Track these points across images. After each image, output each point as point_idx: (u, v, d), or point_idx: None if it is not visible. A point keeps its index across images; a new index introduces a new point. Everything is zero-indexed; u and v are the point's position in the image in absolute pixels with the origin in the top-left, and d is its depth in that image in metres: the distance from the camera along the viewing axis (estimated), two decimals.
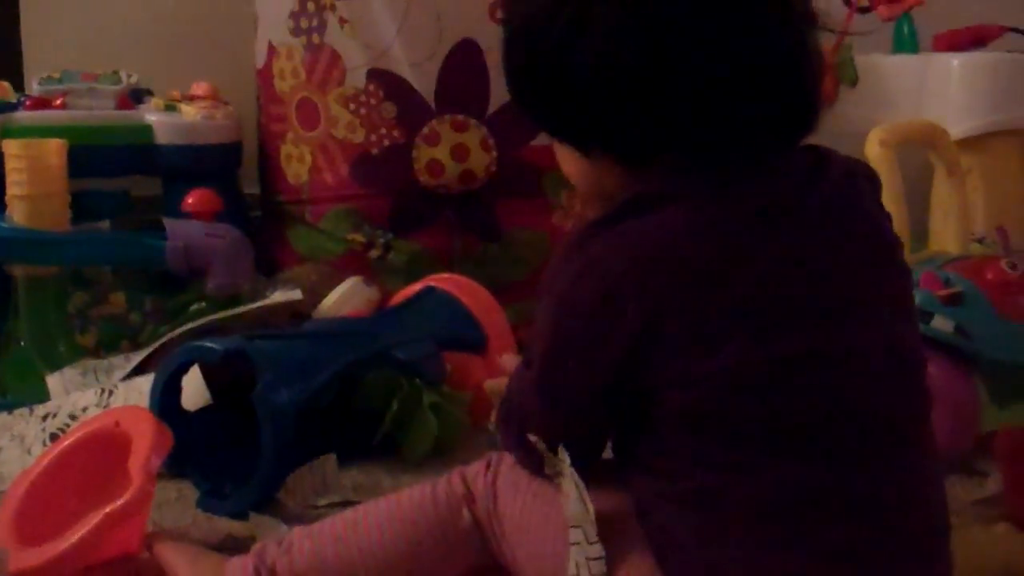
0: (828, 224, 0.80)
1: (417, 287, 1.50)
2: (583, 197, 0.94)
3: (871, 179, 0.86)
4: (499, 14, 1.61)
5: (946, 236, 1.53)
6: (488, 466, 0.94)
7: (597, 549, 0.81)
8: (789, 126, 0.82)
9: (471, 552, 0.95)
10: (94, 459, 1.14)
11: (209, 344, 1.26)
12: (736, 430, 0.77)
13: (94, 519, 1.03)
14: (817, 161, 0.82)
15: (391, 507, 0.97)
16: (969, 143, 1.72)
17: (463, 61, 1.60)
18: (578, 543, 0.82)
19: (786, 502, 0.76)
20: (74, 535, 1.03)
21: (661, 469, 0.80)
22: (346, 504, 1.23)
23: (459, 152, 1.62)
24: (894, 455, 0.79)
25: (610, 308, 0.77)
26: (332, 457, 1.29)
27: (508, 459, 0.93)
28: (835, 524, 0.76)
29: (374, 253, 1.65)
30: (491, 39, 1.60)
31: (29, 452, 1.33)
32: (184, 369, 1.29)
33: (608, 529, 0.82)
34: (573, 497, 0.82)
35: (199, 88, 1.83)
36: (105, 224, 1.63)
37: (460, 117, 1.62)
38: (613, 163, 0.83)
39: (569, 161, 0.87)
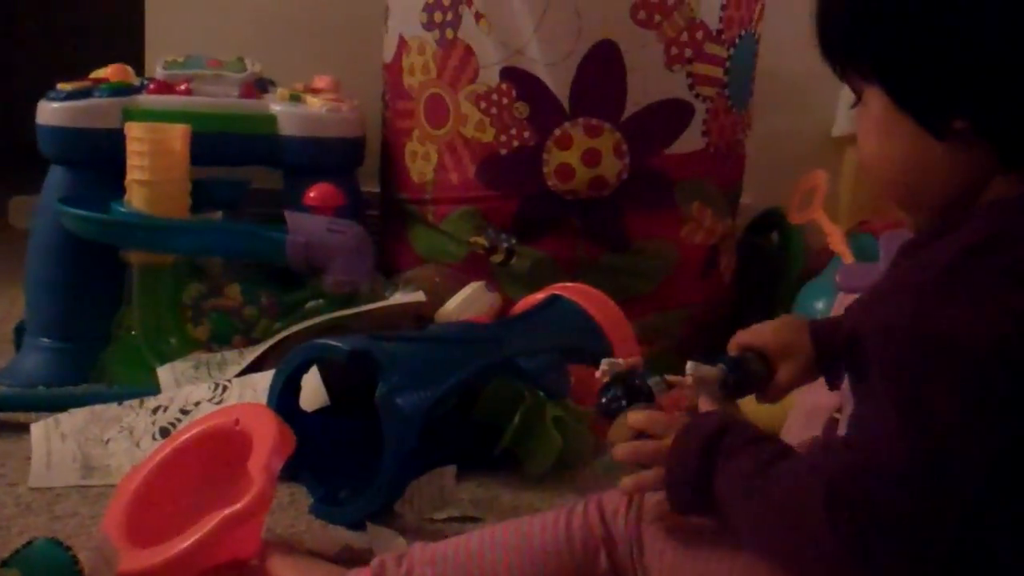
0: None
1: (542, 295, 1.45)
2: (898, 196, 0.76)
3: None
4: (641, 15, 1.54)
5: None
6: (630, 504, 0.86)
7: None
8: None
9: None
10: (211, 457, 1.11)
11: (333, 342, 1.21)
12: None
13: (211, 521, 0.99)
14: None
15: (520, 540, 0.90)
16: None
17: (601, 63, 1.54)
18: None
19: None
20: (190, 537, 0.99)
21: None
22: (465, 519, 1.20)
23: (591, 157, 1.56)
24: None
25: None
26: (452, 469, 1.25)
27: (653, 497, 0.83)
28: None
29: (496, 258, 1.60)
30: (630, 41, 1.54)
31: (138, 445, 1.30)
32: (305, 368, 1.25)
33: None
34: None
35: (321, 81, 1.79)
36: (217, 215, 1.60)
37: (594, 121, 1.55)
38: (983, 154, 0.69)
39: (897, 146, 0.72)
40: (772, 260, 1.79)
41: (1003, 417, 0.64)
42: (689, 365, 0.88)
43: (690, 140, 1.60)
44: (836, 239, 1.60)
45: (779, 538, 0.71)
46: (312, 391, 1.28)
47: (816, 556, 0.68)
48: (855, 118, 0.77)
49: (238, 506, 0.98)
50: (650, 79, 1.56)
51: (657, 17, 1.54)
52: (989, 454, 0.64)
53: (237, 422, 1.10)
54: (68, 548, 0.92)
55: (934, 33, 0.69)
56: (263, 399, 1.25)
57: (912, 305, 0.65)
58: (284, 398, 1.24)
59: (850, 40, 0.74)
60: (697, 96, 1.59)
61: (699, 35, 1.57)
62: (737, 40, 1.62)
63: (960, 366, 0.63)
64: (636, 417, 0.83)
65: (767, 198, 1.88)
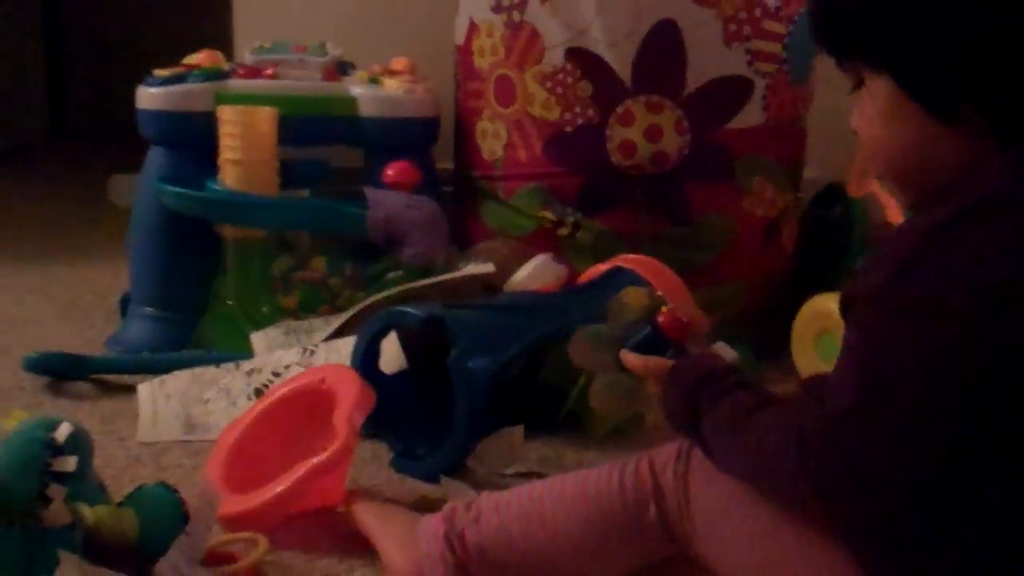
0: None
1: (606, 266, 1.51)
2: (898, 176, 0.80)
3: None
4: None
5: None
6: (678, 456, 0.91)
7: None
8: None
9: (656, 545, 0.92)
10: (300, 413, 1.21)
11: (410, 310, 1.31)
12: None
13: (300, 470, 1.09)
14: None
15: (577, 490, 0.96)
16: None
17: (661, 42, 1.60)
18: None
19: None
20: (280, 484, 1.09)
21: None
22: (531, 475, 1.27)
23: (653, 133, 1.62)
24: None
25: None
26: (519, 428, 1.33)
27: (699, 452, 0.88)
28: None
29: (563, 231, 1.67)
30: (689, 19, 1.60)
31: (235, 404, 1.41)
32: (384, 333, 1.34)
33: None
34: None
35: (398, 63, 1.87)
36: (304, 192, 1.70)
37: (655, 98, 1.62)
38: (984, 136, 0.72)
39: (904, 130, 0.76)
40: (835, 232, 1.82)
41: (972, 374, 0.69)
42: (718, 344, 0.96)
43: (750, 115, 1.65)
44: (894, 211, 1.65)
45: (757, 482, 0.80)
46: (392, 355, 1.37)
47: (792, 499, 0.76)
48: (855, 103, 0.80)
49: (323, 456, 1.08)
50: (709, 56, 1.61)
51: None
52: (957, 409, 0.70)
53: (323, 381, 1.21)
54: (174, 490, 1.02)
55: (944, 24, 0.72)
56: (347, 362, 1.35)
57: (889, 273, 0.71)
58: (366, 361, 1.33)
59: (860, 32, 0.77)
60: (756, 72, 1.64)
61: (757, 12, 1.61)
62: (796, 16, 1.66)
63: (922, 326, 0.70)
64: (631, 358, 0.92)
65: (833, 171, 1.92)
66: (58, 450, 0.91)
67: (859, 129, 0.80)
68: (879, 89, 0.78)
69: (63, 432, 0.92)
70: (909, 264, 0.70)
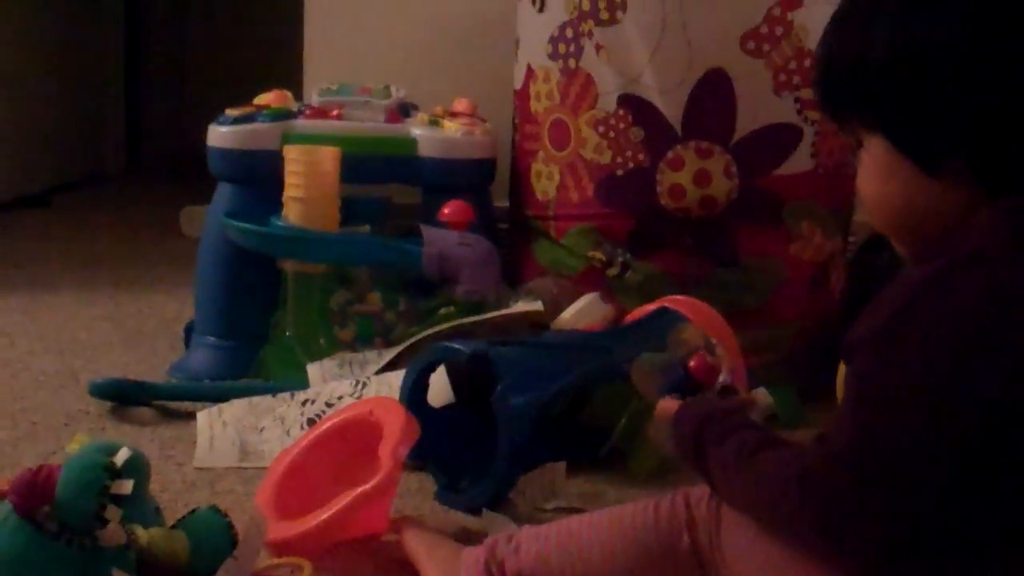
0: None
1: (652, 307, 1.54)
2: (897, 230, 0.84)
3: None
4: (751, 45, 1.63)
5: None
6: (712, 493, 0.94)
7: None
8: None
9: (688, 573, 0.95)
10: (348, 443, 1.25)
11: (457, 346, 1.35)
12: None
13: (346, 499, 1.13)
14: None
15: (613, 522, 1.00)
16: None
17: (712, 89, 1.63)
18: None
19: None
20: (327, 512, 1.13)
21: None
22: (572, 511, 1.28)
23: (702, 178, 1.66)
24: None
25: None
26: (562, 464, 1.36)
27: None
28: None
29: (612, 271, 1.71)
30: (740, 69, 1.63)
31: (288, 433, 1.46)
32: (433, 368, 1.38)
33: None
34: None
35: (460, 105, 1.93)
36: (366, 228, 1.75)
37: (705, 144, 1.65)
38: (973, 187, 0.77)
39: (897, 186, 0.81)
40: (882, 277, 1.83)
41: (956, 415, 0.73)
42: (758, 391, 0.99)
43: (799, 162, 1.68)
44: None
45: (759, 518, 0.83)
46: (440, 389, 1.41)
47: (793, 536, 0.79)
48: (858, 163, 0.85)
49: (367, 486, 1.12)
50: (759, 104, 1.64)
51: (766, 46, 1.63)
52: (944, 446, 0.73)
53: (371, 413, 1.25)
54: (225, 515, 1.07)
55: (929, 85, 0.78)
56: (397, 395, 1.39)
57: (882, 320, 0.76)
58: (414, 394, 1.37)
59: (852, 93, 0.82)
60: (805, 120, 1.66)
61: (807, 63, 1.64)
62: None
63: (915, 370, 0.74)
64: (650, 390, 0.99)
65: None
66: (116, 473, 0.97)
67: (860, 188, 0.86)
68: (874, 149, 0.83)
69: (122, 456, 0.98)
70: (900, 313, 0.75)
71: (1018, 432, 0.74)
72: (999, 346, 0.73)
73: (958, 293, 0.74)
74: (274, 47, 3.37)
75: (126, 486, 0.96)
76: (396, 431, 1.19)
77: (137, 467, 1.00)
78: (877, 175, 0.83)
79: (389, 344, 1.66)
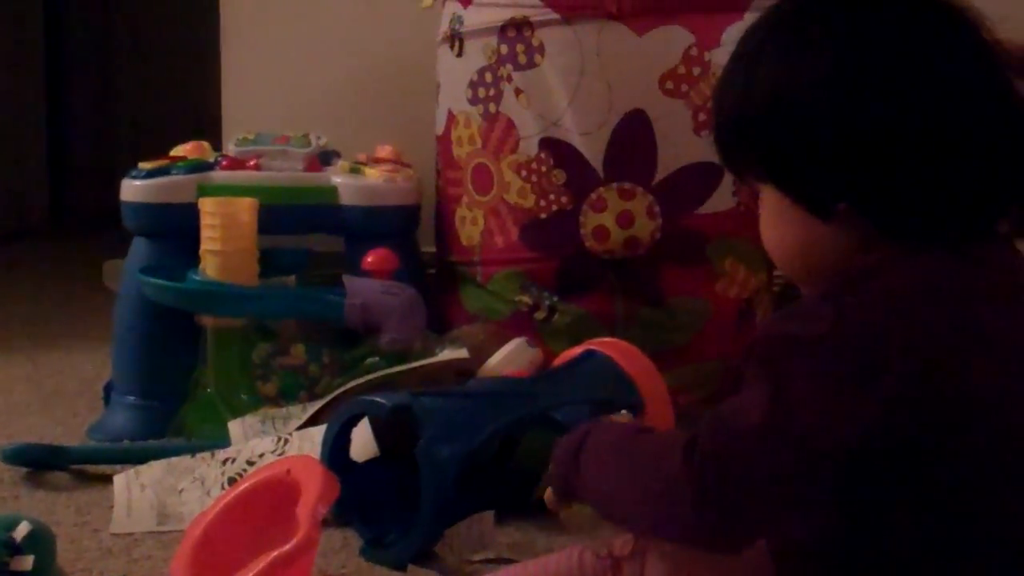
0: None
1: (578, 350, 1.53)
2: (795, 272, 0.87)
3: None
4: (669, 85, 1.63)
5: None
6: (634, 549, 0.94)
7: None
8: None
9: None
10: (266, 504, 1.21)
11: (378, 399, 1.32)
12: None
13: (262, 563, 1.09)
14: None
15: (539, 570, 1.01)
16: None
17: (632, 131, 1.64)
18: None
19: None
20: None
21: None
22: (501, 561, 1.27)
23: (625, 219, 1.66)
24: None
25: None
26: (490, 514, 1.33)
27: (658, 547, 0.91)
28: None
29: (539, 315, 1.70)
30: (660, 109, 1.64)
31: (209, 494, 1.42)
32: (354, 422, 1.36)
33: None
34: None
35: (383, 151, 1.92)
36: (291, 279, 1.73)
37: (627, 185, 1.65)
38: (863, 227, 0.79)
39: (791, 231, 0.83)
40: None
41: (856, 404, 0.73)
42: None
43: (721, 200, 1.68)
44: None
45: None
46: (363, 443, 1.38)
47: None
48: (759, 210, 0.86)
49: (284, 549, 1.08)
50: (680, 144, 1.65)
51: (684, 87, 1.64)
52: (847, 433, 0.73)
53: (289, 472, 1.21)
54: None
55: (807, 132, 0.79)
56: (319, 451, 1.36)
57: (788, 317, 0.80)
58: (336, 450, 1.35)
59: (739, 143, 0.84)
60: None
61: None
62: None
63: (814, 355, 0.75)
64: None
65: None
66: (16, 549, 0.93)
67: (762, 234, 0.87)
68: (768, 196, 0.84)
69: (22, 531, 0.94)
70: (806, 311, 0.78)
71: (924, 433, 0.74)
72: (902, 347, 0.73)
73: (864, 292, 0.76)
74: (199, 96, 3.33)
75: (26, 562, 0.93)
76: (314, 490, 1.15)
77: (39, 541, 0.96)
78: (773, 222, 0.84)
79: (314, 397, 1.63)
